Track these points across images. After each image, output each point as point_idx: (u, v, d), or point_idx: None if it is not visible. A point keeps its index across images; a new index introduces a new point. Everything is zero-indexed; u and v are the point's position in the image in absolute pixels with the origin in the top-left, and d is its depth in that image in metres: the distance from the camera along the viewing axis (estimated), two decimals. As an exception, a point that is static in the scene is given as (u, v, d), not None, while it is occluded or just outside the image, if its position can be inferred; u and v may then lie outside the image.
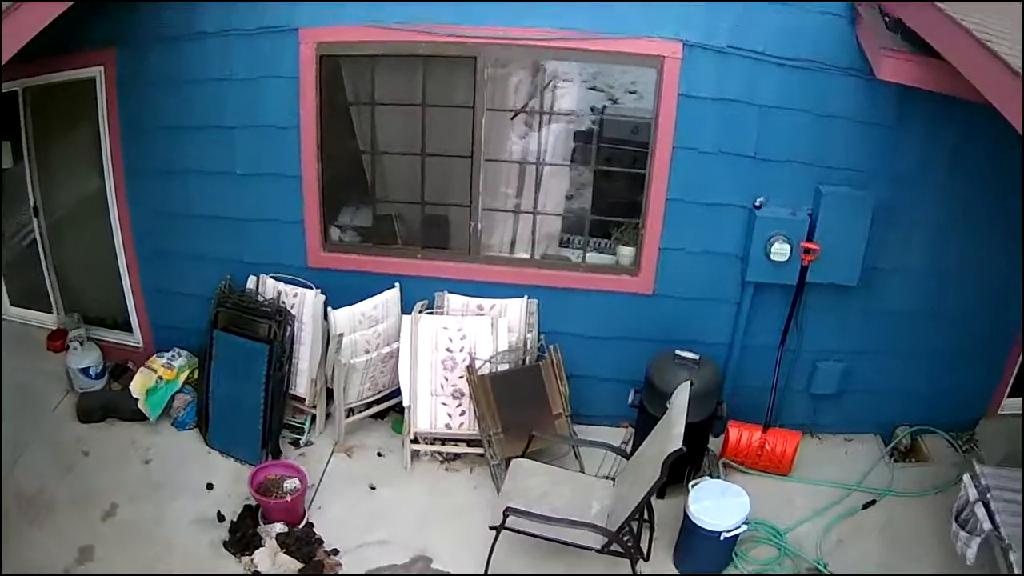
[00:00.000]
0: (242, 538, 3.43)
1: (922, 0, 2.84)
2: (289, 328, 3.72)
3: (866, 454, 4.10)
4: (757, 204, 3.57)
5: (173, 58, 3.69)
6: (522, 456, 3.52)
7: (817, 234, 3.56)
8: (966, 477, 3.41)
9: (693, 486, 3.40)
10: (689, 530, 3.34)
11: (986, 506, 3.27)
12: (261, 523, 3.47)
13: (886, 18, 3.29)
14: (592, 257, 3.85)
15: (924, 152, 3.60)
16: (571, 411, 3.82)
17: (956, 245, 3.76)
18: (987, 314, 3.94)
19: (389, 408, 4.00)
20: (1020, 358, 4.12)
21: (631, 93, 3.85)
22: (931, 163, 3.61)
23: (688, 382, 3.25)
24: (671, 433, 3.04)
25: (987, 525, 3.19)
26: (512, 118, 3.64)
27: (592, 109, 3.76)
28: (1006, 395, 4.25)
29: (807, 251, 3.56)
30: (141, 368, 3.97)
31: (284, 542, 3.41)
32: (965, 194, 3.65)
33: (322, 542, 3.47)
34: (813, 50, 3.43)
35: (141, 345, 4.27)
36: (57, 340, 4.33)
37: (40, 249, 4.35)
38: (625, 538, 3.15)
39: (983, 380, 4.15)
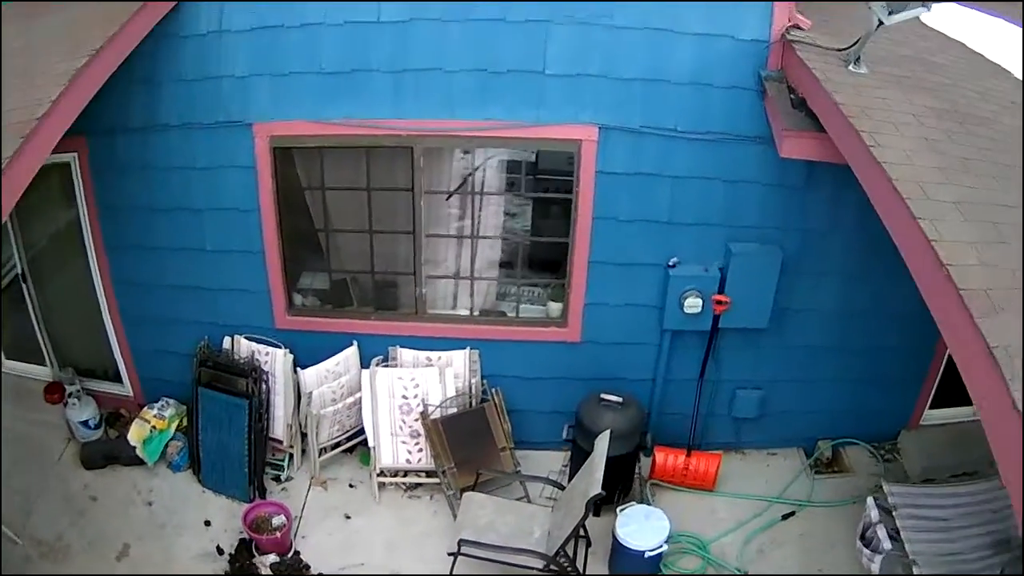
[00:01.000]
0: (241, 568, 4.48)
1: (820, 92, 3.65)
2: (264, 384, 4.69)
3: (789, 467, 5.09)
4: (671, 264, 4.46)
5: (140, 147, 4.52)
6: (473, 486, 4.53)
7: (728, 287, 4.46)
8: (870, 500, 4.35)
9: (621, 511, 4.41)
10: (617, 550, 4.37)
11: (889, 525, 4.14)
12: (256, 555, 4.52)
13: (792, 96, 4.08)
14: (526, 309, 4.79)
15: (832, 207, 4.41)
16: (518, 439, 4.84)
17: (865, 285, 4.62)
18: (901, 341, 4.81)
19: (357, 443, 5.00)
20: (940, 372, 5.06)
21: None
22: (839, 216, 4.43)
23: (608, 431, 4.21)
24: (593, 477, 4.02)
25: (887, 545, 4.10)
26: (447, 198, 4.50)
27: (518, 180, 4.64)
28: (927, 407, 5.20)
29: (719, 303, 4.47)
30: (136, 419, 4.96)
31: (278, 571, 4.46)
32: (871, 241, 4.41)
33: (309, 567, 4.53)
34: (723, 123, 4.25)
35: (132, 395, 5.26)
36: (54, 393, 5.31)
37: (31, 309, 5.27)
38: (561, 560, 4.19)
39: (903, 395, 5.09)
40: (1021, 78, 4.78)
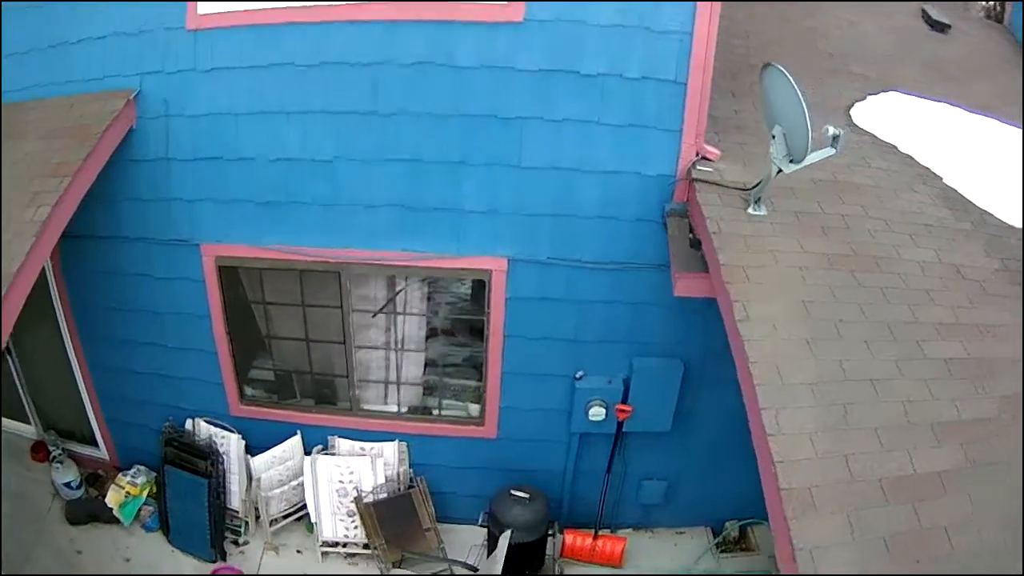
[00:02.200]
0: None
1: (709, 246, 4.22)
2: (221, 466, 5.65)
3: (696, 546, 5.92)
4: (578, 376, 5.21)
5: (105, 255, 5.37)
6: (399, 563, 5.48)
7: (631, 397, 5.22)
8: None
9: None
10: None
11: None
12: (218, 610, 5.59)
13: (691, 235, 4.67)
14: (448, 405, 5.63)
15: (731, 320, 5.09)
16: (444, 515, 5.78)
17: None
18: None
19: (304, 514, 5.95)
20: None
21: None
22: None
23: (509, 531, 5.08)
24: (492, 573, 4.92)
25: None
26: (373, 316, 5.29)
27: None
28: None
29: (622, 411, 5.22)
30: (112, 486, 5.98)
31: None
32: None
33: (263, 623, 5.58)
34: (628, 253, 4.93)
35: (108, 458, 6.28)
36: (39, 452, 6.33)
37: (15, 377, 6.25)
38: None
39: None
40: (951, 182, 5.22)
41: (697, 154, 4.76)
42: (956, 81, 6.30)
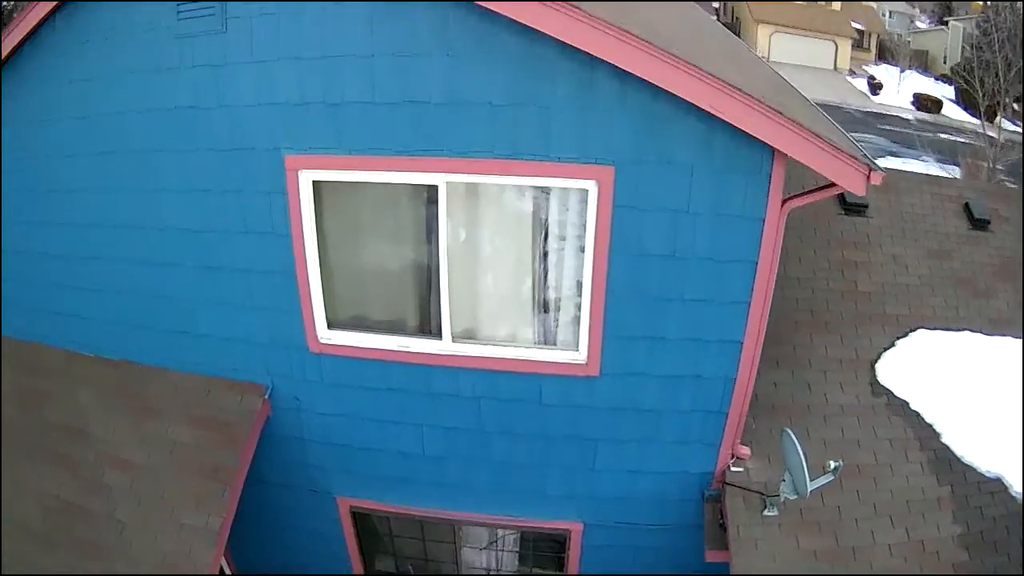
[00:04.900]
0: None
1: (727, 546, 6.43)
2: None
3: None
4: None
5: (248, 488, 7.61)
6: None
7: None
8: None
9: None
10: None
11: None
12: None
13: (721, 520, 6.77)
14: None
15: None
16: None
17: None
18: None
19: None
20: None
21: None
22: None
23: None
24: None
25: None
26: (480, 550, 7.61)
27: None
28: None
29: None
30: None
31: None
32: None
33: None
34: (674, 518, 7.07)
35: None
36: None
37: None
38: None
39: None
40: (948, 439, 7.05)
41: (732, 455, 6.74)
42: (983, 295, 7.83)
